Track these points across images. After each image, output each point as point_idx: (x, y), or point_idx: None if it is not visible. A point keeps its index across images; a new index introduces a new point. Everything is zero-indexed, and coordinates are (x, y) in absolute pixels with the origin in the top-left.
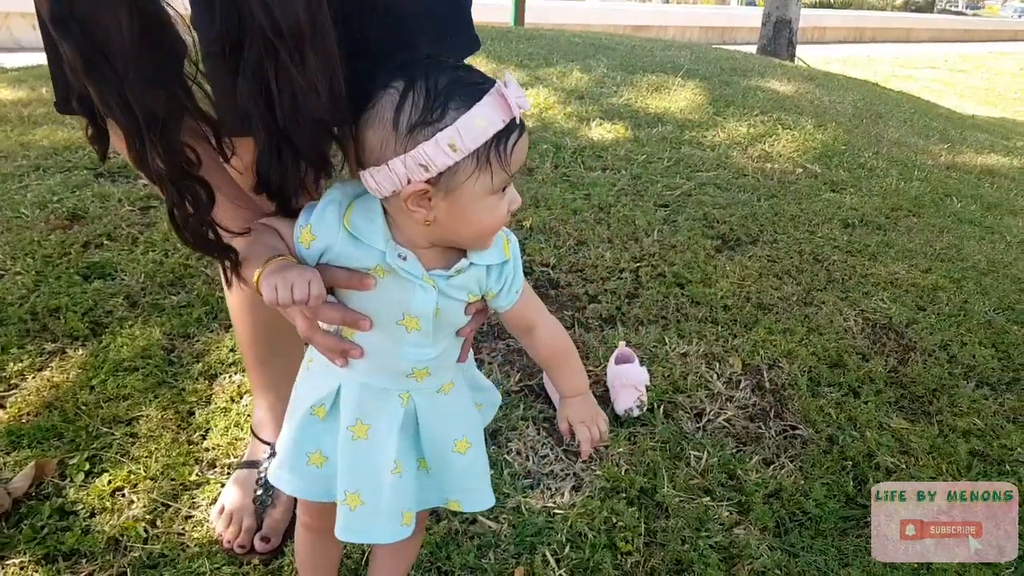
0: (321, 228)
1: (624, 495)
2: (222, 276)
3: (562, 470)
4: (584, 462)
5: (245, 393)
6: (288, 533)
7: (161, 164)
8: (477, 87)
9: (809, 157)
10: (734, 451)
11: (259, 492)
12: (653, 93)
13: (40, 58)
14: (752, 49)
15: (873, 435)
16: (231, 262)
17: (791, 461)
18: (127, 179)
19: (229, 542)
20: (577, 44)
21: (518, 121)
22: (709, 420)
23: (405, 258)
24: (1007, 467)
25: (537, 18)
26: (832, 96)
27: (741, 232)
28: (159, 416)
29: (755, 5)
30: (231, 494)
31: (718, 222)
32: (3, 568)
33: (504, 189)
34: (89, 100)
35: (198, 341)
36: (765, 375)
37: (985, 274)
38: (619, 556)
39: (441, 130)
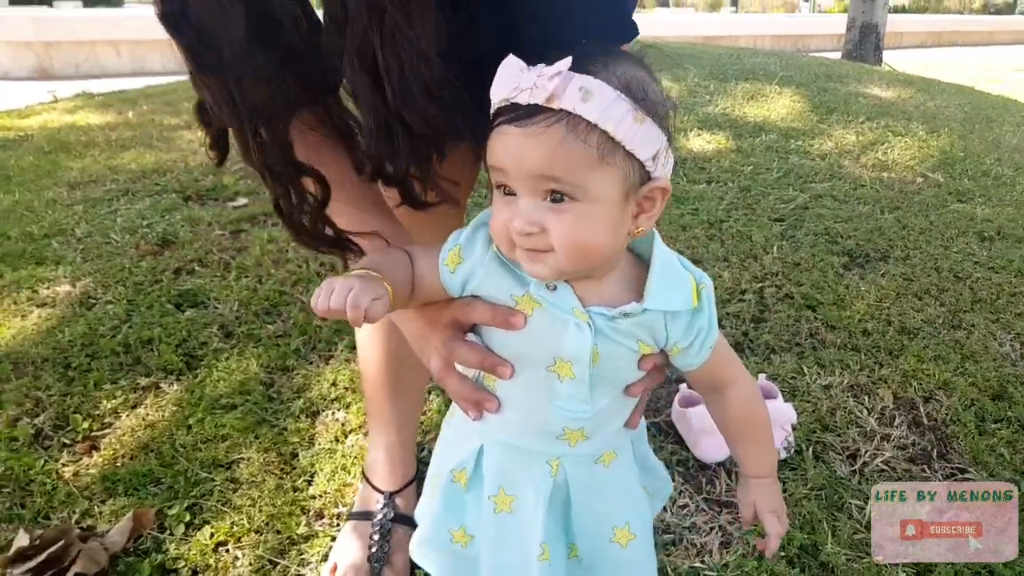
0: (469, 250)
1: (783, 553)
2: None
3: (705, 523)
4: (769, 559)
5: (350, 432)
6: None
7: (261, 158)
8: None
9: (928, 165)
10: None
11: (374, 549)
12: (750, 101)
13: (124, 83)
14: (833, 56)
15: None
16: (350, 254)
17: None
18: (216, 201)
19: None
20: (660, 53)
21: (521, 103)
22: (865, 463)
23: (555, 288)
24: None
25: None
26: (937, 101)
27: (869, 248)
28: (261, 459)
29: (824, 12)
30: (344, 549)
31: (842, 237)
32: None
33: (506, 192)
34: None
35: (297, 374)
36: (921, 409)
37: None
38: None
39: None
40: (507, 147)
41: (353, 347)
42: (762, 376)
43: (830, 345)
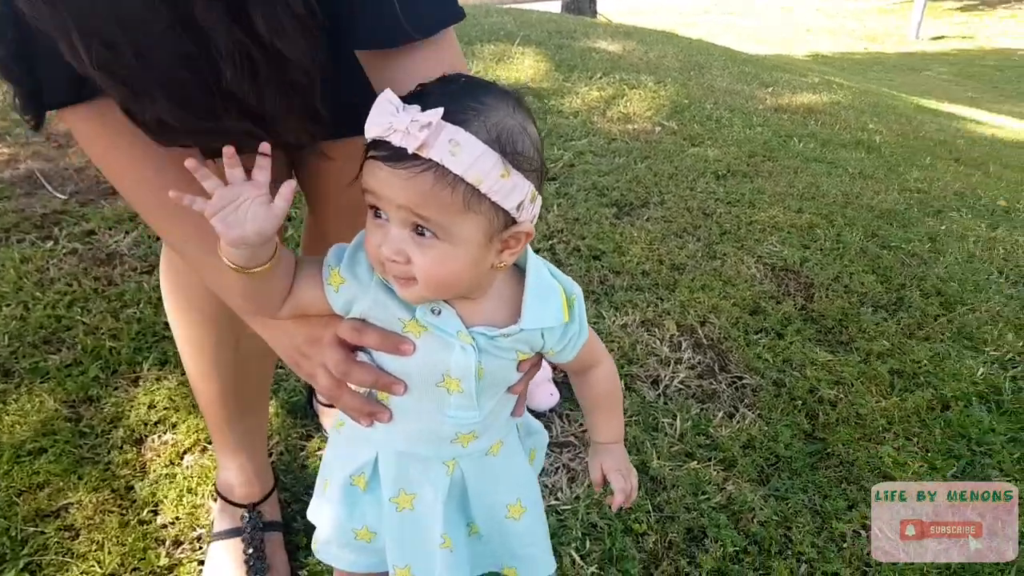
0: (350, 272)
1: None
2: None
3: (551, 464)
4: (616, 514)
5: (185, 452)
6: None
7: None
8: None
9: (663, 115)
10: (699, 411)
11: (251, 562)
12: (499, 63)
13: None
14: (553, 8)
15: (811, 372)
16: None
17: (749, 410)
18: None
19: None
20: None
21: (393, 143)
22: (667, 386)
23: (439, 312)
24: (921, 379)
25: None
26: (655, 52)
27: (631, 196)
28: (93, 500)
29: None
30: (217, 569)
31: (608, 189)
32: None
33: (377, 213)
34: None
35: (107, 403)
36: (700, 332)
37: (845, 207)
38: (638, 538)
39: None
40: (379, 182)
41: (161, 363)
42: None
43: (619, 289)
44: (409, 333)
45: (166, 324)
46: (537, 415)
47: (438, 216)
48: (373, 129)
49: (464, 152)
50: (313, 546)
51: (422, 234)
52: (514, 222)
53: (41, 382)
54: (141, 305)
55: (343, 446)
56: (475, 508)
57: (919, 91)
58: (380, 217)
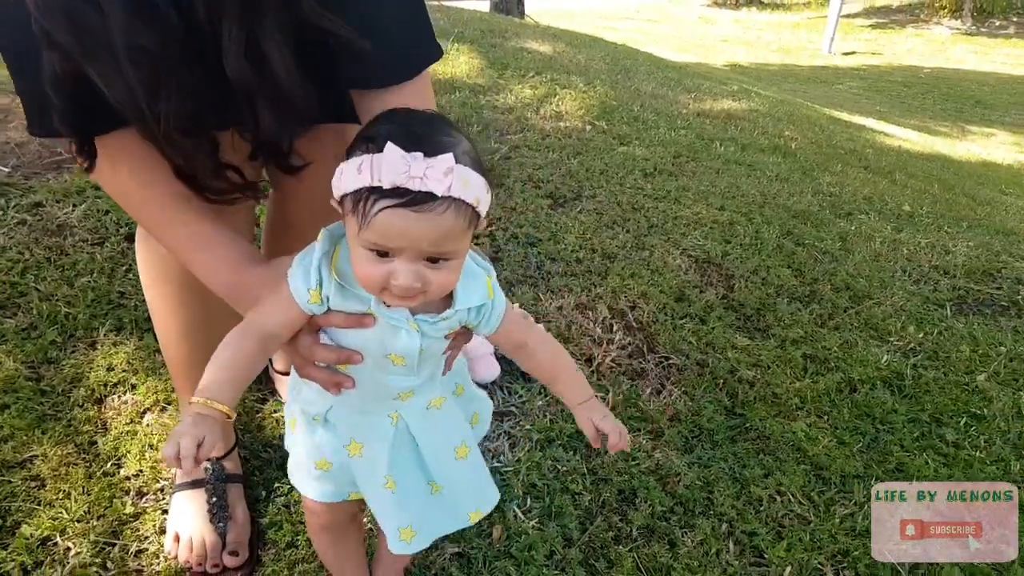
0: (324, 283)
1: (559, 442)
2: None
3: (493, 431)
4: (621, 456)
5: (145, 411)
6: (254, 545)
7: (169, 126)
8: (382, 141)
9: (593, 115)
10: (629, 386)
11: (214, 511)
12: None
13: None
14: (482, 7)
15: (731, 354)
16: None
17: (675, 387)
18: None
19: (200, 565)
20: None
21: (413, 189)
22: (599, 363)
23: (390, 305)
24: (832, 364)
25: None
26: (583, 54)
27: (565, 189)
28: (57, 453)
29: None
30: (181, 517)
31: (543, 181)
32: None
33: (379, 253)
34: (72, 116)
35: (66, 365)
36: (630, 316)
37: (763, 206)
38: (574, 497)
39: (349, 159)
40: (401, 228)
41: (118, 329)
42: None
43: (555, 274)
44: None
45: (121, 293)
46: (481, 387)
47: (453, 244)
48: (389, 176)
49: (472, 184)
50: (289, 473)
51: (436, 261)
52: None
53: None
54: (95, 275)
55: (304, 391)
56: (430, 462)
57: (831, 103)
58: (384, 256)
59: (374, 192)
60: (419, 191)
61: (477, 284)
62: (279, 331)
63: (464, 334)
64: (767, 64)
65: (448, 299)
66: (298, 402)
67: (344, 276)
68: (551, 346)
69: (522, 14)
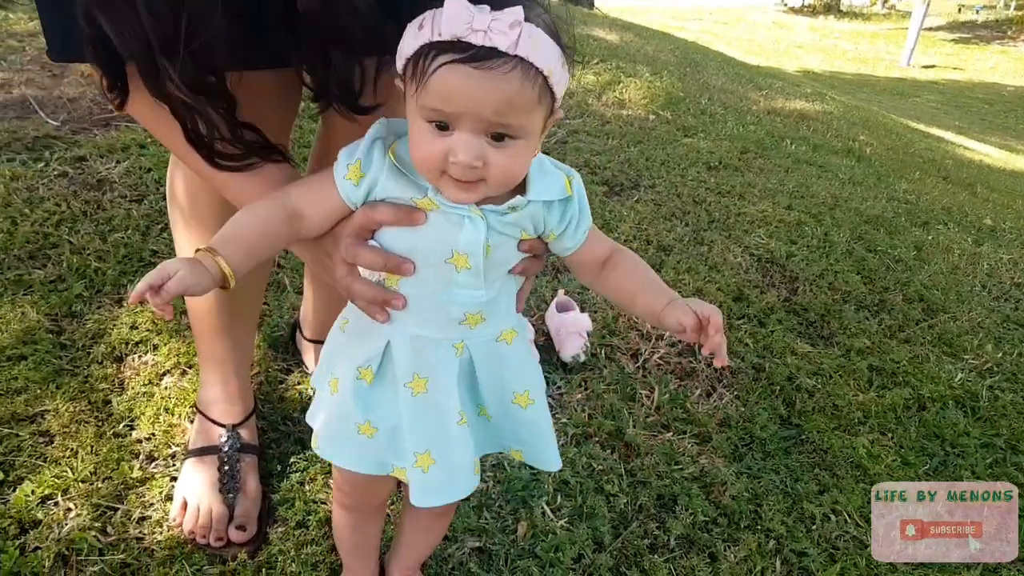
0: (368, 163)
1: (596, 439)
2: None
3: None
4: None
5: (165, 374)
6: (263, 521)
7: (179, 90)
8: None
9: (658, 104)
10: (677, 386)
11: (225, 480)
12: None
13: None
14: None
15: (791, 361)
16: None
17: (727, 391)
18: None
19: (204, 537)
20: None
21: (476, 43)
22: (646, 359)
23: (450, 199)
24: (900, 378)
25: None
26: (652, 46)
27: (623, 177)
28: (69, 409)
29: None
30: (190, 485)
31: (600, 168)
32: None
33: (439, 125)
34: (103, 49)
35: (89, 320)
36: None
37: (833, 208)
38: (609, 499)
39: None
40: (463, 88)
41: None
42: (561, 291)
43: None
44: (422, 209)
45: (153, 251)
46: (562, 365)
47: (519, 117)
48: (449, 27)
49: (543, 47)
50: (314, 443)
51: (499, 138)
52: (553, 110)
53: (24, 294)
54: (129, 231)
55: (347, 343)
56: (484, 391)
57: (907, 115)
58: (444, 129)
59: (434, 48)
60: (482, 46)
61: (553, 179)
62: (309, 210)
63: (538, 246)
64: (842, 72)
65: (516, 192)
66: (339, 355)
67: (402, 161)
68: (634, 256)
69: (591, 5)
